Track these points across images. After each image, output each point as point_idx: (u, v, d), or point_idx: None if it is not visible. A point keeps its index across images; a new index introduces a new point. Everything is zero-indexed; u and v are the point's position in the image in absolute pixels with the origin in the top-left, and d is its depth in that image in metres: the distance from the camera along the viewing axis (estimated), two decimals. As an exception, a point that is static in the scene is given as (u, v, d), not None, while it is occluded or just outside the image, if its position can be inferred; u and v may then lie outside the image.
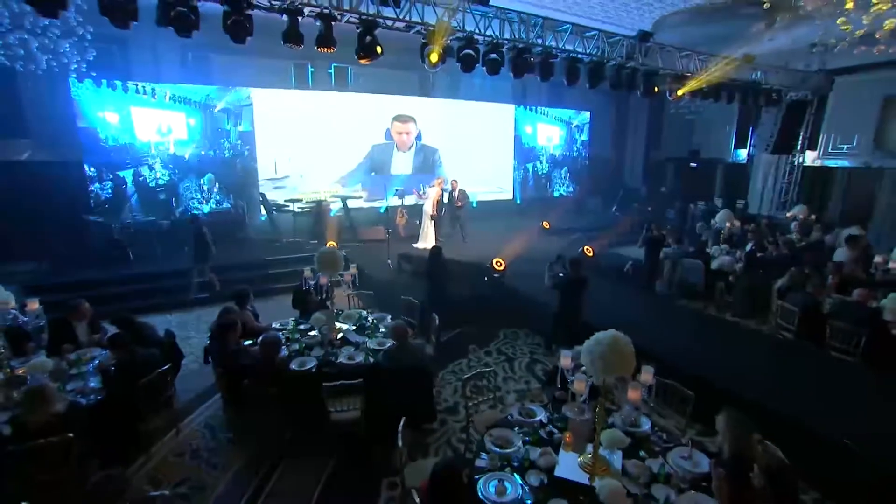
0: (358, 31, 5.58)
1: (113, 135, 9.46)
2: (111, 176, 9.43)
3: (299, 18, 5.20)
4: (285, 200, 10.68)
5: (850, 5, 4.70)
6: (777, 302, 6.34)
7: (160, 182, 9.93)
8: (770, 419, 3.85)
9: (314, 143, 11.56)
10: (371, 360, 4.48)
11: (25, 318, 3.91)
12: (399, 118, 12.60)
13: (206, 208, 10.38)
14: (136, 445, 4.06)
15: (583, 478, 2.88)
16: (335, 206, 11.07)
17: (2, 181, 8.30)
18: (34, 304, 3.98)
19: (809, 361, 5.33)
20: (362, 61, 5.72)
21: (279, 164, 11.27)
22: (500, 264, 7.67)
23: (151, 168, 9.86)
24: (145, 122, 9.75)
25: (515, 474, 2.93)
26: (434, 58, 6.16)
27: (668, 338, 5.72)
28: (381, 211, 12.01)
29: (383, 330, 5.15)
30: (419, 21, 6.02)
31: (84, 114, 9.15)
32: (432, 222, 10.09)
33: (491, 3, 6.30)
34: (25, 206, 8.39)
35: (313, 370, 4.29)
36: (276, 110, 11.09)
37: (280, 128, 11.17)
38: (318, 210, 10.69)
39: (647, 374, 2.73)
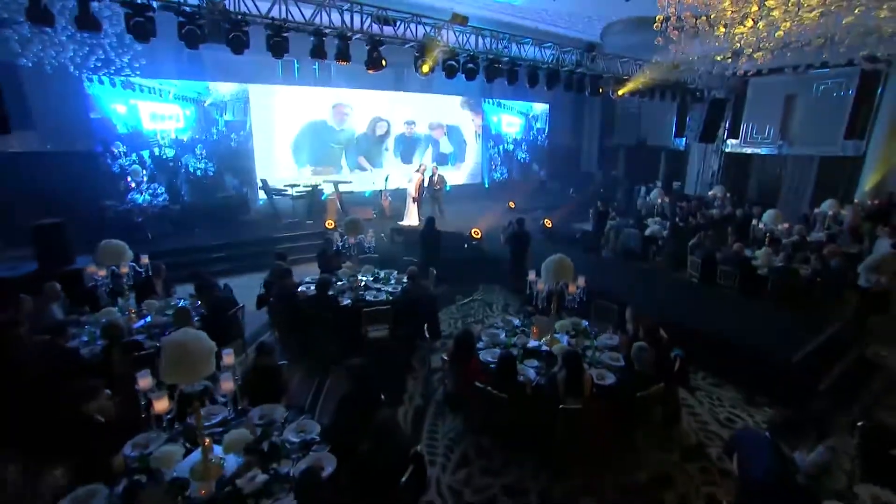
0: (367, 47, 7.04)
1: (125, 122, 10.84)
2: (133, 153, 11.06)
3: (323, 38, 6.61)
4: (284, 185, 11.95)
5: (720, 30, 6.51)
6: (689, 256, 8.35)
7: (168, 156, 11.59)
8: (675, 328, 5.69)
9: (305, 132, 13.00)
10: (390, 297, 6.06)
11: (140, 269, 5.20)
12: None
13: (202, 165, 12.06)
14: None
15: (544, 348, 4.61)
16: (328, 190, 12.42)
17: (24, 172, 9.28)
18: (145, 259, 5.28)
19: (705, 294, 7.35)
20: (370, 70, 7.19)
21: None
22: (478, 233, 9.35)
23: (161, 147, 11.40)
24: (152, 114, 11.25)
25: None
26: (426, 69, 7.72)
27: (611, 287, 7.51)
28: (367, 195, 13.50)
29: (393, 280, 6.74)
30: (412, 38, 7.55)
31: (99, 107, 10.37)
32: (415, 203, 11.63)
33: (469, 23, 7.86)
34: (48, 195, 9.36)
35: (350, 304, 5.85)
36: (269, 104, 12.48)
37: (275, 118, 12.66)
38: (312, 194, 12.02)
39: (581, 280, 4.48)
